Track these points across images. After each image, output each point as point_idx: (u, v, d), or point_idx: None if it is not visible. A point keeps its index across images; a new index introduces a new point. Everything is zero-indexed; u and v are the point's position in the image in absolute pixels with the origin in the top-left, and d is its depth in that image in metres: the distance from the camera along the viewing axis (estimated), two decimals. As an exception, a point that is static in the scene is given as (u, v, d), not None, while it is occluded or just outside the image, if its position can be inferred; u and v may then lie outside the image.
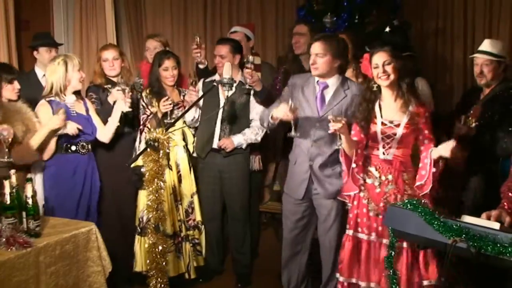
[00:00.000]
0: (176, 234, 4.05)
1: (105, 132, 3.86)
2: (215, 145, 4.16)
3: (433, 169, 3.08)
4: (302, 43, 4.40)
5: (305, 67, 4.37)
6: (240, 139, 4.14)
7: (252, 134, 4.17)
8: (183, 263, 4.09)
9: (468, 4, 5.56)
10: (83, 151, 3.78)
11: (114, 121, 3.81)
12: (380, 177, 3.19)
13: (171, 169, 4.04)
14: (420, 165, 3.16)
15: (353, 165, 3.21)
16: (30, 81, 4.27)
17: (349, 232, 3.27)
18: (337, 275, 3.31)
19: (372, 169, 3.23)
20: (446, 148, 3.02)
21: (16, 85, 3.55)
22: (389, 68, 3.12)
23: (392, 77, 3.13)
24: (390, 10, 5.16)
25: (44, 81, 3.85)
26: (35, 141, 3.48)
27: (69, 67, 3.69)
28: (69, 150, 3.74)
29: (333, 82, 3.51)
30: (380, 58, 3.13)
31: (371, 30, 5.08)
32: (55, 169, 3.71)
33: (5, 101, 3.52)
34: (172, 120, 3.84)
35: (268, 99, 4.05)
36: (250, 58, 4.02)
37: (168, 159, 3.99)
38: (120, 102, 3.77)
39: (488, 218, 2.55)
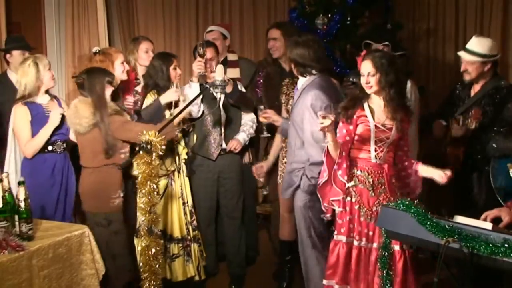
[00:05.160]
0: (184, 238, 4.07)
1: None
2: (224, 145, 4.23)
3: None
4: (278, 47, 4.44)
5: (285, 69, 4.44)
6: (244, 136, 4.28)
7: (251, 128, 4.33)
8: (192, 265, 4.09)
9: (459, 5, 5.59)
10: (59, 150, 3.78)
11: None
12: (373, 181, 3.15)
13: (179, 171, 4.08)
14: (403, 173, 3.27)
15: (335, 167, 3.16)
16: (3, 85, 4.26)
17: (342, 238, 3.18)
18: (327, 281, 3.23)
19: (363, 173, 3.17)
20: (439, 175, 3.10)
21: (112, 88, 3.63)
22: (372, 80, 3.08)
23: (374, 88, 3.10)
24: (382, 11, 5.18)
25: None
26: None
27: (40, 67, 3.72)
28: (46, 150, 3.75)
29: (299, 83, 3.54)
30: (365, 68, 3.09)
31: (363, 32, 5.11)
32: (32, 168, 3.73)
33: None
34: (166, 122, 3.82)
35: (243, 100, 4.19)
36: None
37: (176, 161, 4.05)
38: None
39: (487, 217, 2.61)
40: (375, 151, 3.14)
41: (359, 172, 3.17)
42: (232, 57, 4.74)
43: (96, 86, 3.54)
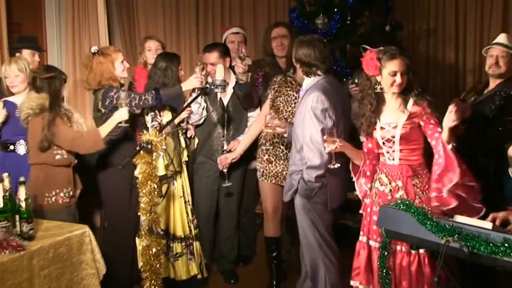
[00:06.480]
0: (187, 237, 4.12)
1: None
2: (225, 147, 4.26)
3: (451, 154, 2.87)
4: (286, 45, 4.35)
5: (283, 68, 4.40)
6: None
7: None
8: (195, 264, 4.13)
9: (459, 5, 5.62)
10: (22, 152, 3.79)
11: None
12: (390, 183, 3.10)
13: (181, 172, 4.13)
14: (436, 156, 2.95)
15: (358, 176, 3.19)
16: None
17: (363, 239, 3.18)
18: (353, 282, 3.21)
19: (382, 176, 3.13)
20: (448, 118, 2.82)
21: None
22: (405, 78, 3.02)
23: (403, 86, 3.04)
24: (382, 11, 5.20)
25: None
26: (104, 132, 3.59)
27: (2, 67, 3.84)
28: (8, 149, 3.81)
29: (304, 83, 3.52)
30: (400, 66, 3.00)
31: (363, 31, 5.12)
32: None
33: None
34: (166, 122, 3.87)
35: (248, 97, 4.24)
36: (244, 51, 4.23)
37: (180, 163, 4.10)
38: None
39: (494, 219, 2.56)
40: (387, 152, 3.11)
41: (380, 175, 3.15)
42: (248, 61, 4.74)
43: (55, 83, 3.58)
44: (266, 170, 3.99)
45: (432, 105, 3.06)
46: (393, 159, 3.10)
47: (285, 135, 3.72)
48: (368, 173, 3.19)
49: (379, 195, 3.13)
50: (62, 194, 3.61)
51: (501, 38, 3.77)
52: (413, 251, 2.97)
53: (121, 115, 3.57)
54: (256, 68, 4.58)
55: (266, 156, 4.01)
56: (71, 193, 3.67)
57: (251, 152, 4.29)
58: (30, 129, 3.59)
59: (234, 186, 4.33)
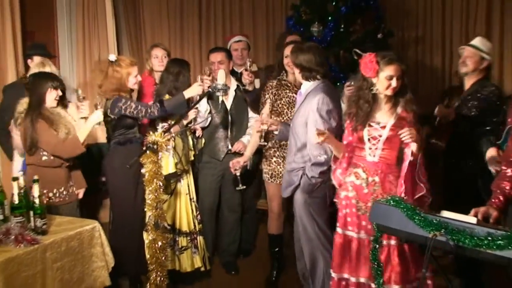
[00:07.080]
0: (191, 232, 4.27)
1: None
2: (229, 146, 4.42)
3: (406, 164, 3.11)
4: None
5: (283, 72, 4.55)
6: (249, 139, 4.41)
7: None
8: (199, 257, 4.31)
9: (446, 14, 5.77)
10: None
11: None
12: (367, 178, 3.22)
13: (188, 171, 4.28)
14: (404, 164, 3.14)
15: (334, 166, 3.36)
16: (22, 89, 4.38)
17: (339, 230, 3.32)
18: (331, 271, 3.38)
19: (359, 170, 3.26)
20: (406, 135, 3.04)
21: (59, 92, 3.72)
22: (400, 83, 3.14)
23: (397, 89, 3.17)
24: (374, 19, 5.36)
25: None
26: (82, 136, 3.70)
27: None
28: None
29: (303, 87, 3.68)
30: (397, 70, 3.12)
31: (355, 38, 5.27)
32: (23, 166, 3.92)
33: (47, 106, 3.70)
34: (172, 123, 4.00)
35: (255, 102, 4.38)
36: (248, 62, 4.43)
37: (188, 162, 4.25)
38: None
39: (476, 213, 2.70)
40: (370, 148, 3.23)
41: (356, 169, 3.27)
42: (254, 67, 4.93)
43: (38, 88, 3.66)
44: (275, 172, 4.14)
45: (416, 115, 3.23)
46: (374, 156, 3.23)
47: (276, 132, 3.91)
48: (345, 165, 3.32)
49: (355, 188, 3.25)
50: (50, 194, 3.66)
51: (475, 40, 3.98)
52: (384, 243, 3.10)
53: (97, 117, 3.73)
54: (270, 73, 4.73)
55: (274, 159, 4.15)
56: (64, 192, 3.73)
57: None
58: (20, 132, 3.70)
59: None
